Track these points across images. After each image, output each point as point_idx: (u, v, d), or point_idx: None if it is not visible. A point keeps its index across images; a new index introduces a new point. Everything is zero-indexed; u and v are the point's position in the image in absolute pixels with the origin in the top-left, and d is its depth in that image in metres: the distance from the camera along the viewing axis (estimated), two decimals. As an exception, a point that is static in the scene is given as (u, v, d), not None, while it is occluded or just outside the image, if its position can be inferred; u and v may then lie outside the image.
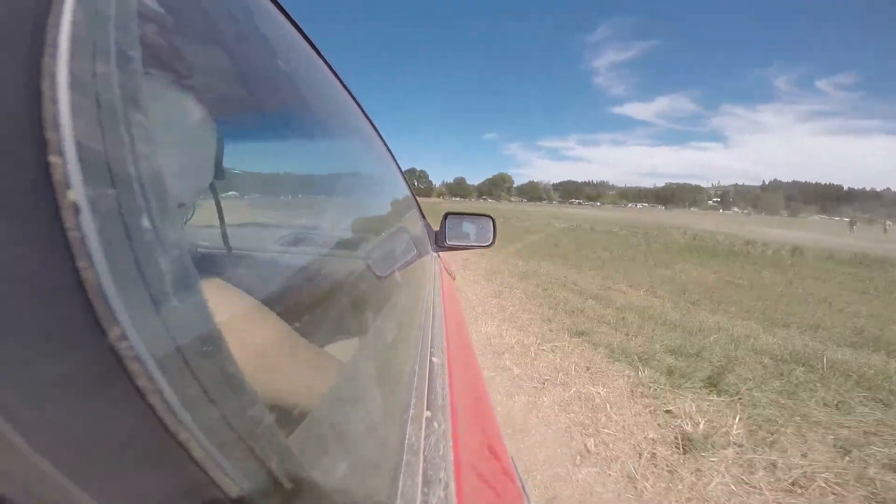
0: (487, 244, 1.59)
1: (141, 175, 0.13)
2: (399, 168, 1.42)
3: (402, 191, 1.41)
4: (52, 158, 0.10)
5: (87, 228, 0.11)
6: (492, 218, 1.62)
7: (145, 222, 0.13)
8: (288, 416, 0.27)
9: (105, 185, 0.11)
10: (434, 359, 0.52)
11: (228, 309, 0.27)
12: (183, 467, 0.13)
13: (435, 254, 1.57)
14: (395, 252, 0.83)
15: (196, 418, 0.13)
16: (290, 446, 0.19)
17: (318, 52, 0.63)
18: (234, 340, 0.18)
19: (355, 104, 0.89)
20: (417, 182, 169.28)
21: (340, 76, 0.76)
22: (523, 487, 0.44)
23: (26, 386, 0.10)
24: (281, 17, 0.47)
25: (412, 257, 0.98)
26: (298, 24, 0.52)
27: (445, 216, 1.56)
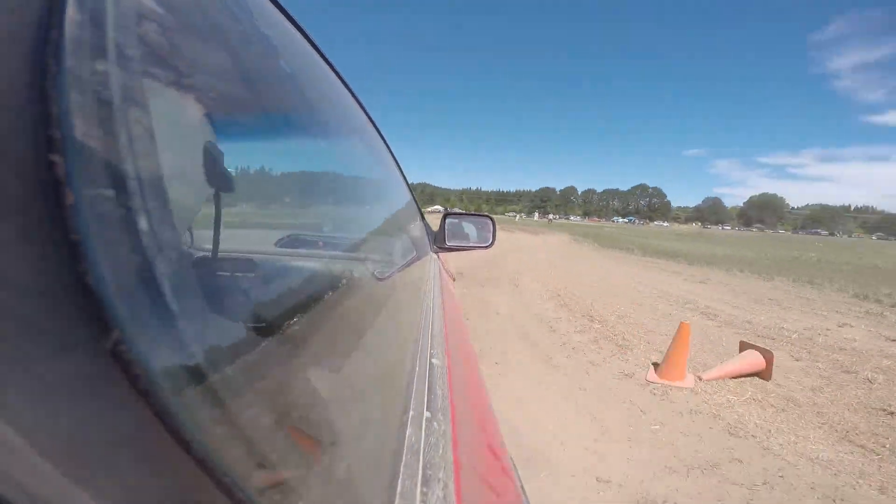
0: (487, 245, 1.60)
1: (141, 175, 0.13)
2: (401, 169, 1.42)
3: (403, 192, 1.41)
4: (52, 157, 0.10)
5: (87, 228, 0.11)
6: (491, 218, 1.62)
7: (145, 222, 0.13)
8: (288, 417, 0.27)
9: (105, 185, 0.11)
10: (434, 360, 0.52)
11: (228, 310, 0.27)
12: (182, 468, 0.13)
13: (435, 254, 1.57)
14: (395, 253, 0.83)
15: (195, 419, 0.13)
16: (290, 447, 0.19)
17: (320, 52, 0.63)
18: (233, 341, 0.18)
19: (357, 105, 0.90)
20: (651, 200, 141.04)
21: (342, 76, 0.76)
22: (522, 487, 0.44)
23: (26, 386, 0.10)
24: (282, 17, 0.47)
25: (412, 258, 0.98)
26: (299, 23, 0.52)
27: (445, 216, 1.56)
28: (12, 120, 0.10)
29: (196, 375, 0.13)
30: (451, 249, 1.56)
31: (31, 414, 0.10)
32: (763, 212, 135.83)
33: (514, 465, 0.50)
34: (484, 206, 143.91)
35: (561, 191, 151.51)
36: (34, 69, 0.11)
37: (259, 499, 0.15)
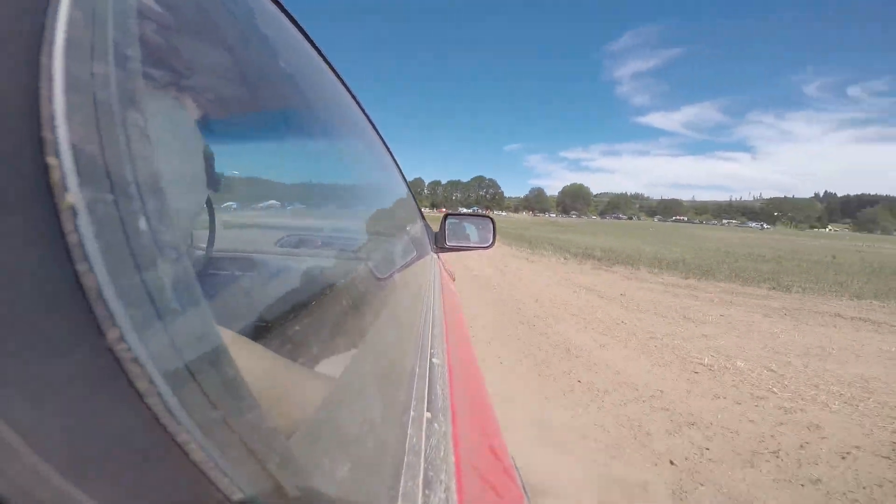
0: (487, 245, 1.60)
1: (139, 176, 0.13)
2: (400, 170, 1.42)
3: (403, 192, 1.41)
4: (50, 159, 0.10)
5: (85, 230, 0.11)
6: (491, 219, 1.62)
7: (143, 224, 0.13)
8: (288, 418, 0.27)
9: (103, 187, 0.11)
10: (434, 360, 0.52)
11: (228, 310, 0.27)
12: (182, 469, 0.12)
13: (435, 255, 1.57)
14: (395, 253, 0.83)
15: (195, 420, 0.13)
16: (291, 448, 0.19)
17: (320, 53, 0.63)
18: (233, 342, 0.18)
19: (357, 106, 0.90)
20: (487, 192, 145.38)
21: (343, 77, 0.76)
22: (524, 488, 0.44)
23: (26, 387, 0.10)
24: (282, 17, 0.47)
25: (412, 258, 0.98)
26: (300, 23, 0.52)
27: (445, 217, 1.56)
28: (10, 120, 0.10)
29: (196, 375, 0.13)
30: (451, 250, 1.56)
31: (31, 414, 0.10)
32: (575, 200, 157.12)
33: (515, 465, 0.50)
34: None
35: (408, 182, 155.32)
36: (31, 70, 0.11)
37: (259, 499, 0.15)
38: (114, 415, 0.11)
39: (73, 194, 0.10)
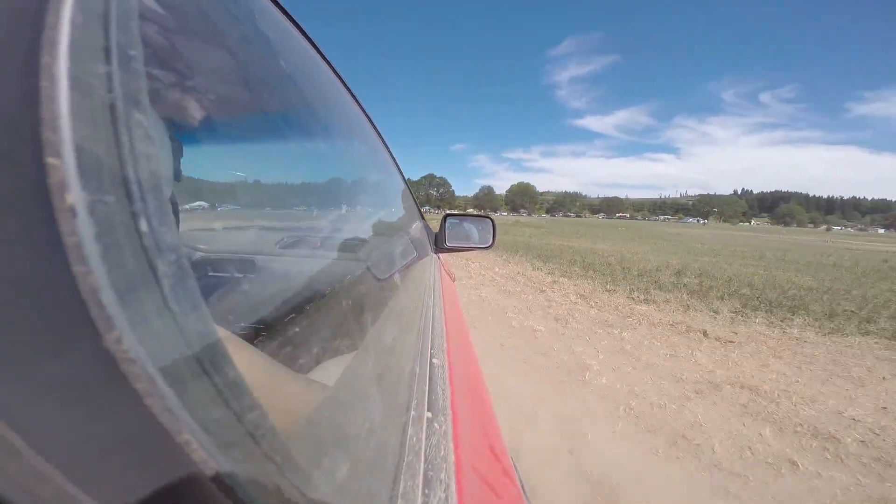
0: (487, 245, 1.60)
1: (140, 177, 0.13)
2: (400, 171, 1.42)
3: (403, 192, 1.41)
4: (51, 160, 0.10)
5: (86, 230, 0.11)
6: (491, 219, 1.62)
7: (144, 224, 0.13)
8: (288, 418, 0.27)
9: (104, 187, 0.11)
10: (434, 360, 0.52)
11: (228, 311, 0.27)
12: (182, 469, 0.12)
13: (435, 255, 1.57)
14: (395, 254, 0.83)
15: (195, 420, 0.13)
16: (291, 448, 0.19)
17: (321, 54, 0.63)
18: (233, 342, 0.18)
19: (357, 106, 0.90)
20: (438, 191, 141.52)
21: (343, 78, 0.76)
22: (523, 488, 0.44)
23: (26, 387, 0.10)
24: (283, 18, 0.47)
25: (412, 259, 0.98)
26: (300, 24, 0.52)
27: (445, 217, 1.56)
28: (10, 121, 0.10)
29: (196, 375, 0.13)
30: (451, 250, 1.56)
31: (31, 414, 0.10)
32: (523, 198, 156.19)
33: (515, 465, 0.50)
34: None
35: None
36: (32, 71, 0.11)
37: (259, 499, 0.15)
38: (114, 415, 0.11)
39: (74, 195, 0.10)
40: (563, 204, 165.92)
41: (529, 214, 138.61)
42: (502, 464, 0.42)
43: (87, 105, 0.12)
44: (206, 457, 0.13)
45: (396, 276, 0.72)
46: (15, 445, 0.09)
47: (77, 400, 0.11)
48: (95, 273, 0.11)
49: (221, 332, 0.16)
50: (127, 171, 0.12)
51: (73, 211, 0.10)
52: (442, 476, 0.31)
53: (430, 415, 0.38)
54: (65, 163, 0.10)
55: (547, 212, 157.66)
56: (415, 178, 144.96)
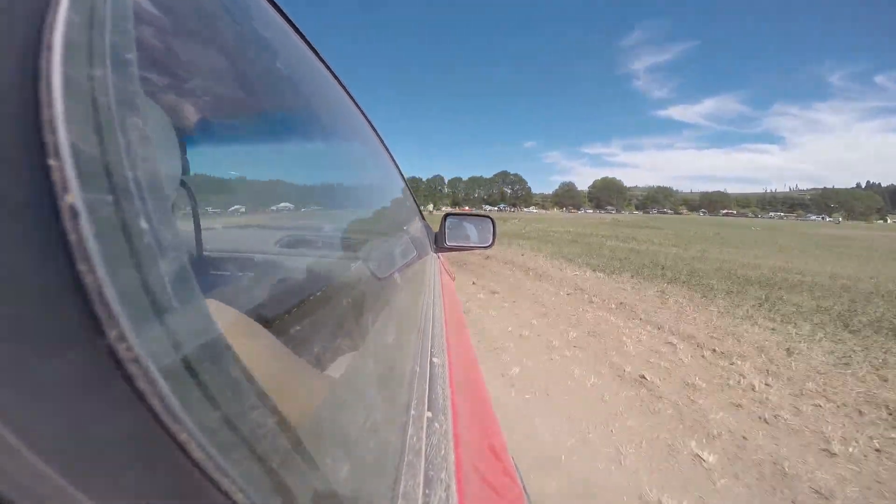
0: (487, 245, 1.60)
1: (139, 177, 0.13)
2: (399, 170, 1.42)
3: (402, 192, 1.41)
4: (51, 161, 0.10)
5: (86, 231, 0.11)
6: (491, 219, 1.62)
7: (144, 224, 0.13)
8: (288, 418, 0.27)
9: (103, 187, 0.12)
10: (435, 359, 0.52)
11: (228, 310, 0.27)
12: (182, 469, 0.13)
13: (435, 255, 1.57)
14: (395, 254, 0.83)
15: (195, 420, 0.13)
16: (291, 447, 0.19)
17: (318, 54, 0.63)
18: (233, 342, 0.18)
19: (356, 107, 0.90)
20: (513, 189, 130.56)
21: (341, 79, 0.76)
22: (524, 487, 0.44)
23: (26, 386, 0.10)
24: (279, 19, 0.47)
25: (412, 259, 0.98)
26: (296, 24, 0.52)
27: (445, 216, 1.56)
28: (10, 123, 0.10)
29: (196, 375, 0.13)
30: (451, 249, 1.56)
31: (31, 414, 0.10)
32: (610, 194, 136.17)
33: (516, 465, 0.50)
34: None
35: (427, 180, 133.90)
36: (31, 73, 0.11)
37: (259, 499, 0.15)
38: (114, 415, 0.11)
39: (74, 195, 0.11)
40: (656, 200, 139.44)
41: (618, 211, 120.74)
42: (503, 463, 0.42)
43: (87, 107, 0.12)
44: (207, 456, 0.13)
45: (396, 276, 0.72)
46: (15, 445, 0.09)
47: (77, 399, 0.11)
48: (95, 273, 0.11)
49: (221, 332, 0.16)
50: (126, 172, 0.12)
51: (72, 211, 0.10)
52: (442, 476, 0.31)
53: (430, 414, 0.38)
54: (64, 163, 0.11)
55: (637, 208, 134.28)
56: (487, 175, 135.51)
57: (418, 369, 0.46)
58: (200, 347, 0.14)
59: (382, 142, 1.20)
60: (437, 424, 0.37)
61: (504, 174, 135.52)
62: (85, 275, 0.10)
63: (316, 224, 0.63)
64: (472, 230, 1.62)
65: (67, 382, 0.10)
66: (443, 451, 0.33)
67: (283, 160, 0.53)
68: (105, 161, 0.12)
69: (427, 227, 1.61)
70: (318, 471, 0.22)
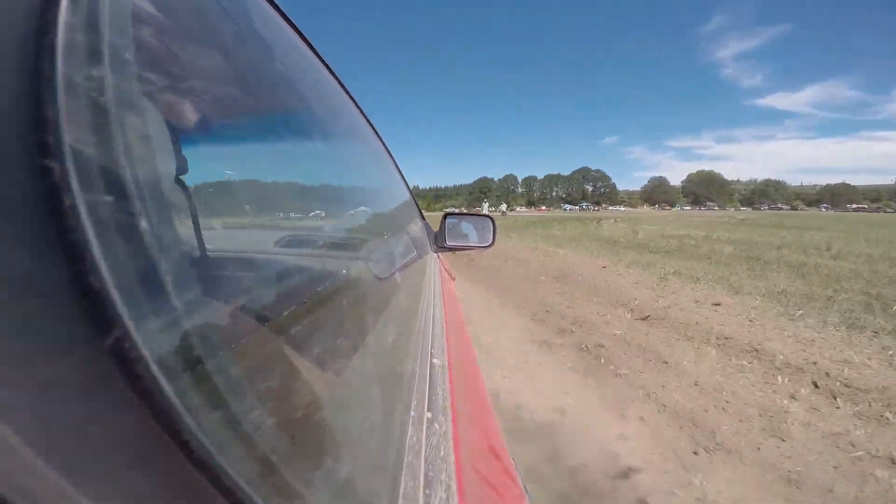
0: (487, 245, 1.60)
1: (139, 178, 0.13)
2: (399, 170, 1.42)
3: (402, 192, 1.41)
4: (51, 162, 0.10)
5: (85, 231, 0.11)
6: (491, 218, 1.62)
7: (144, 225, 0.13)
8: (288, 418, 0.27)
9: (103, 188, 0.12)
10: (435, 360, 0.52)
11: (228, 310, 0.27)
12: (183, 469, 0.13)
13: (435, 255, 1.57)
14: (395, 254, 0.83)
15: (196, 420, 0.13)
16: (291, 447, 0.19)
17: (318, 54, 0.63)
18: (233, 342, 0.18)
19: (355, 107, 0.90)
20: (595, 186, 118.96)
21: (340, 78, 0.76)
22: (524, 487, 0.44)
23: (26, 386, 0.10)
24: (279, 19, 0.47)
25: (412, 258, 0.98)
26: (295, 24, 0.52)
27: (445, 216, 1.56)
28: (9, 123, 0.10)
29: (196, 375, 0.13)
30: (451, 249, 1.56)
31: (31, 414, 0.10)
32: (710, 189, 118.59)
33: (516, 465, 0.50)
34: (421, 203, 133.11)
35: (500, 179, 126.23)
36: (30, 73, 0.11)
37: (259, 499, 0.15)
38: (114, 415, 0.11)
39: (74, 195, 0.11)
40: (766, 194, 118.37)
41: (722, 208, 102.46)
42: (503, 463, 0.42)
43: (86, 107, 0.12)
44: (207, 457, 0.13)
45: (396, 276, 0.72)
46: (15, 445, 0.09)
47: (77, 399, 0.11)
48: (95, 273, 0.11)
49: (221, 332, 0.16)
50: (126, 172, 0.12)
51: (72, 211, 0.10)
52: (442, 476, 0.31)
53: (430, 415, 0.38)
54: (64, 165, 0.11)
55: (743, 204, 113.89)
56: (565, 173, 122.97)
57: (418, 370, 0.46)
58: (200, 347, 0.14)
59: (383, 142, 1.20)
60: (437, 425, 0.37)
61: (585, 170, 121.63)
62: (85, 275, 0.10)
63: (316, 224, 0.63)
64: (471, 230, 1.62)
65: (67, 382, 0.10)
66: (443, 452, 0.33)
67: (283, 160, 0.53)
68: (105, 161, 0.12)
69: (427, 227, 1.61)
70: (319, 471, 0.22)
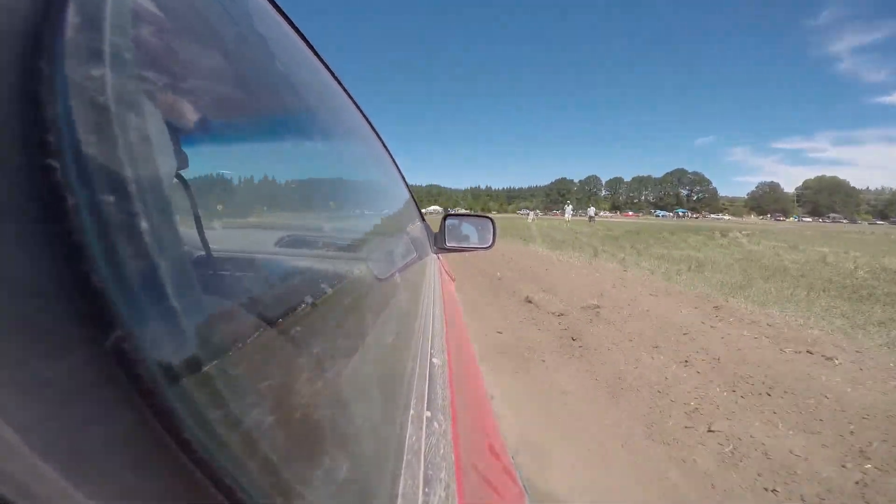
0: (487, 246, 1.59)
1: (139, 178, 0.13)
2: (399, 170, 1.42)
3: (403, 192, 1.41)
4: (50, 162, 0.10)
5: (86, 230, 0.11)
6: (491, 219, 1.62)
7: (144, 225, 0.13)
8: (288, 418, 0.27)
9: (103, 189, 0.12)
10: (434, 360, 0.52)
11: (228, 310, 0.27)
12: (182, 469, 0.13)
13: (435, 255, 1.57)
14: (395, 254, 0.83)
15: (195, 419, 0.13)
16: (290, 447, 0.19)
17: (317, 55, 0.63)
18: (233, 342, 0.18)
19: (354, 107, 0.90)
20: (692, 190, 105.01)
21: (339, 78, 0.76)
22: (524, 486, 0.44)
23: (26, 386, 0.10)
24: (280, 20, 0.47)
25: (412, 259, 0.98)
26: (296, 24, 0.52)
27: (445, 217, 1.56)
28: (10, 123, 0.10)
29: (196, 376, 0.14)
30: (451, 250, 1.56)
31: (31, 414, 0.10)
32: (833, 197, 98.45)
33: (515, 464, 0.50)
34: (491, 204, 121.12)
35: (580, 181, 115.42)
36: (30, 73, 0.11)
37: (259, 499, 0.15)
38: (114, 415, 0.11)
39: (75, 196, 0.11)
40: None
41: (853, 221, 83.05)
42: (503, 462, 0.42)
43: (87, 107, 0.12)
44: (206, 457, 0.13)
45: (396, 276, 0.72)
46: (15, 445, 0.09)
47: (77, 399, 0.11)
48: (96, 273, 0.11)
49: (221, 332, 0.16)
50: (127, 172, 0.12)
51: (72, 212, 0.10)
52: (442, 475, 0.31)
53: (429, 414, 0.38)
54: (65, 164, 0.11)
55: (875, 216, 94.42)
56: (656, 174, 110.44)
57: (418, 369, 0.46)
58: (200, 347, 0.14)
59: (382, 142, 1.20)
60: (436, 424, 0.37)
61: (680, 172, 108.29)
62: (85, 275, 0.11)
63: (316, 224, 0.63)
64: (472, 231, 1.62)
65: (67, 382, 0.10)
66: (442, 451, 0.34)
67: (282, 160, 0.53)
68: (106, 161, 0.12)
69: (427, 228, 1.61)
70: (318, 471, 0.22)
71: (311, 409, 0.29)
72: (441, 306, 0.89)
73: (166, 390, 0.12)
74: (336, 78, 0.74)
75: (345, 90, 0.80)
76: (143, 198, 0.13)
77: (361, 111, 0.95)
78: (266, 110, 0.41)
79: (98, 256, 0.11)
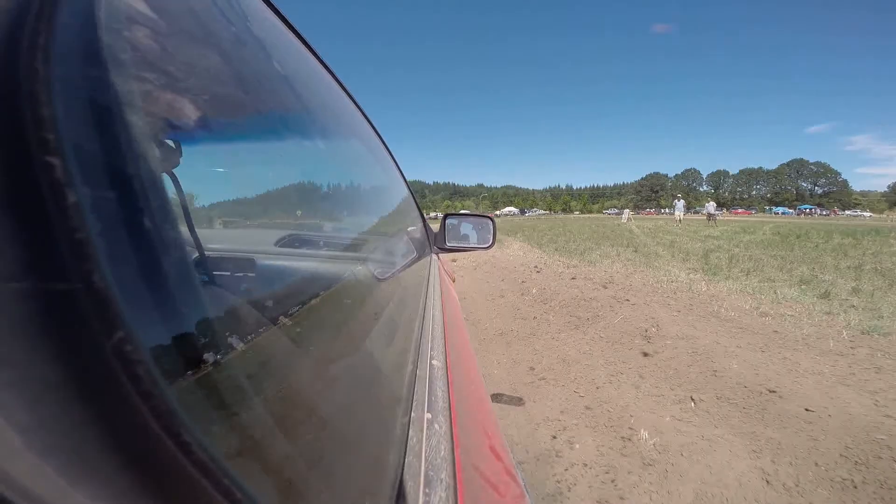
0: (487, 245, 1.59)
1: (139, 176, 0.13)
2: (400, 170, 1.42)
3: (403, 192, 1.41)
4: (48, 161, 0.10)
5: (86, 231, 0.11)
6: (491, 218, 1.62)
7: (145, 224, 0.13)
8: (288, 418, 0.27)
9: (101, 189, 0.12)
10: (434, 361, 0.52)
11: (228, 311, 0.27)
12: (183, 469, 0.12)
13: (435, 255, 1.57)
14: (395, 254, 0.83)
15: (195, 420, 0.13)
16: (291, 448, 0.19)
17: (315, 54, 0.63)
18: (233, 342, 0.18)
19: (355, 107, 0.90)
20: (817, 184, 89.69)
21: (338, 78, 0.76)
22: (525, 487, 0.44)
23: (26, 387, 0.10)
24: (277, 20, 0.47)
25: (412, 259, 0.98)
26: (293, 24, 0.52)
27: (445, 217, 1.56)
28: (11, 124, 0.10)
29: (196, 375, 0.13)
30: (450, 250, 1.56)
31: (32, 414, 0.10)
32: None
33: (516, 465, 0.50)
34: (573, 204, 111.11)
35: (676, 176, 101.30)
36: (29, 73, 0.11)
37: (259, 499, 0.15)
38: (114, 415, 0.11)
39: (73, 196, 0.11)
40: None
41: None
42: (504, 463, 0.42)
43: (85, 106, 0.12)
44: (207, 457, 0.13)
45: (396, 277, 0.72)
46: (15, 445, 0.09)
47: (77, 399, 0.11)
48: (96, 272, 0.11)
49: (221, 332, 0.16)
50: (125, 173, 0.12)
51: (71, 212, 0.10)
52: (443, 476, 0.31)
53: (429, 415, 0.38)
54: (64, 163, 0.11)
55: None
56: (769, 167, 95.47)
57: (418, 371, 0.46)
58: (201, 347, 0.14)
59: (383, 142, 1.20)
60: (436, 425, 0.37)
61: (799, 164, 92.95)
62: (85, 274, 0.10)
63: (316, 224, 0.63)
64: (471, 231, 1.62)
65: (68, 383, 0.10)
66: (442, 452, 0.33)
67: (281, 160, 0.53)
68: (104, 160, 0.12)
69: (427, 228, 1.61)
70: (318, 471, 0.22)
71: (311, 410, 0.29)
72: (441, 307, 0.89)
73: (167, 390, 0.12)
74: (335, 78, 0.74)
75: (344, 90, 0.80)
76: (143, 199, 0.13)
77: (361, 110, 0.95)
78: (263, 110, 0.41)
79: (98, 257, 0.11)
